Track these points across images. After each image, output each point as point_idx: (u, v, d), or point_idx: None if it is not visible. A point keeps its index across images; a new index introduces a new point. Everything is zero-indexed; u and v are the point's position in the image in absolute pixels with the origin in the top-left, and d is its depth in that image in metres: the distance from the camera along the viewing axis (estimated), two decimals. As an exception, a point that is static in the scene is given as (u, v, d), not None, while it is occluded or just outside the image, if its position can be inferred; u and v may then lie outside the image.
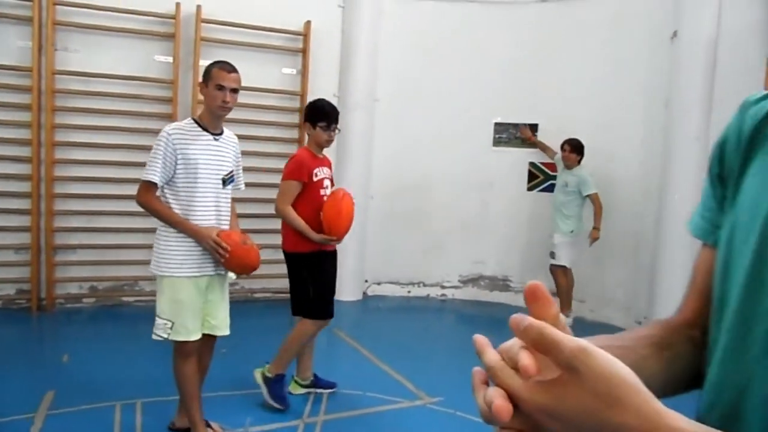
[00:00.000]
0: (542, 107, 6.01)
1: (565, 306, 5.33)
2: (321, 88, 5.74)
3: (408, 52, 6.08)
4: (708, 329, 0.67)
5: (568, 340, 0.45)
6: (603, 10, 5.65)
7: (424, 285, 6.44)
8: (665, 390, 0.67)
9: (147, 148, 2.84)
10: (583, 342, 0.46)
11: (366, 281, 6.31)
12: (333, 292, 3.50)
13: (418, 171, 6.25)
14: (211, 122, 2.79)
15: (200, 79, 2.82)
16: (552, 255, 5.39)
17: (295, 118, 5.72)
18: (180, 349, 2.81)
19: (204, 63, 5.21)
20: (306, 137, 3.61)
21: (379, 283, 6.37)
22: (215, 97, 2.71)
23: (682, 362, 0.71)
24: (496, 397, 0.47)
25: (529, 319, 0.47)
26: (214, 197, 2.78)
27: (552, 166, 5.87)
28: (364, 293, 6.29)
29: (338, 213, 3.32)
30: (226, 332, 2.96)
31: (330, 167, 3.56)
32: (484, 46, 6.07)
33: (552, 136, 5.76)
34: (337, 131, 3.50)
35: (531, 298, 0.50)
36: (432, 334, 5.45)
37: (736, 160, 0.68)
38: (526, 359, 0.46)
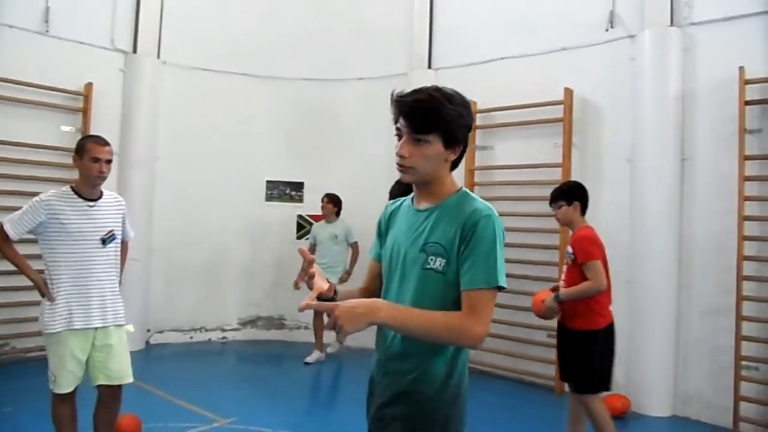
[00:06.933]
0: (306, 168, 7.09)
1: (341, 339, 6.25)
2: (102, 147, 5.99)
3: (186, 116, 6.67)
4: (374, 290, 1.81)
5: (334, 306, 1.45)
6: (352, 90, 7.00)
7: (206, 330, 6.89)
8: None
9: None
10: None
11: (148, 330, 6.53)
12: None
13: (197, 225, 6.78)
14: (86, 190, 3.15)
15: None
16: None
17: (74, 174, 5.82)
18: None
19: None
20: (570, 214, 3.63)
21: (161, 332, 6.64)
22: (92, 168, 3.09)
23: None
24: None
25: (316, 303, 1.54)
26: (91, 257, 3.09)
27: (317, 218, 6.92)
28: (147, 342, 6.50)
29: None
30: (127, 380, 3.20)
31: None
32: (253, 113, 6.98)
33: (315, 192, 6.80)
34: None
35: (304, 255, 1.59)
36: (217, 371, 5.95)
37: (384, 227, 1.81)
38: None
